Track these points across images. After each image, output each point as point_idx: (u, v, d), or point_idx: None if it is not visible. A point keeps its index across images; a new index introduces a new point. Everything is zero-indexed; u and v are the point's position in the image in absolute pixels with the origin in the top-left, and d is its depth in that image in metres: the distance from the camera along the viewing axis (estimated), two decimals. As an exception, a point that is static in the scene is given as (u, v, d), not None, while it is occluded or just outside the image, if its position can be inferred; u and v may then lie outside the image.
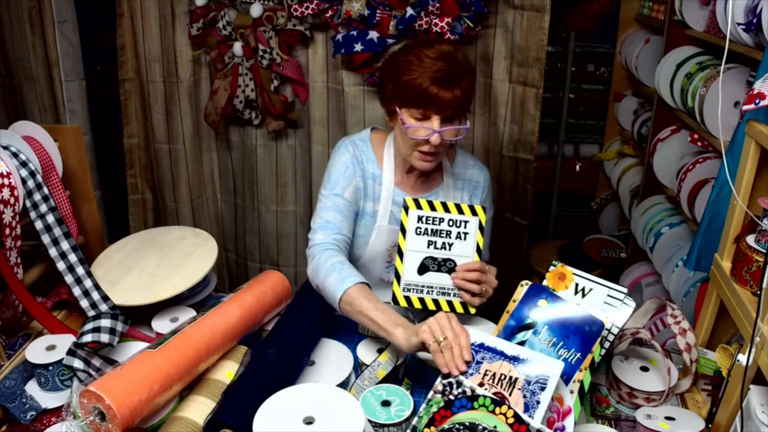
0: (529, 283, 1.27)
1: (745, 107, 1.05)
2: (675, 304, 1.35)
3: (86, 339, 1.26)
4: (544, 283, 1.30)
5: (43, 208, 1.42)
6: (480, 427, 0.98)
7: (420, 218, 1.40)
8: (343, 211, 1.50)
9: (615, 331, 1.26)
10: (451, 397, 1.10)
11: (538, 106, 2.01)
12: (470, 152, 2.04)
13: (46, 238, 1.42)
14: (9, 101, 2.32)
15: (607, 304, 1.27)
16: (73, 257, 1.45)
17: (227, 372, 1.23)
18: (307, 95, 2.17)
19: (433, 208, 1.40)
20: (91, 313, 1.40)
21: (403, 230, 1.40)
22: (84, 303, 1.42)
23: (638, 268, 2.48)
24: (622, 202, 2.86)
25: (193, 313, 1.45)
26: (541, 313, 1.22)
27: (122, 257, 1.58)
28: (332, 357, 1.36)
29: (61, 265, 1.43)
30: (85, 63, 2.35)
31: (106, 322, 1.32)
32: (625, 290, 1.28)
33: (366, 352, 1.36)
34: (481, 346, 1.15)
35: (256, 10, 2.05)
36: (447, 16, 1.91)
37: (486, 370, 1.11)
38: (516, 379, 1.09)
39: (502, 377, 1.10)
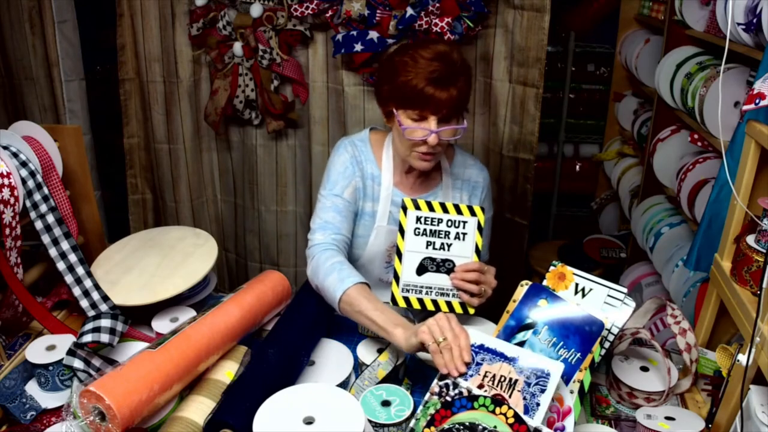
0: (529, 283, 1.27)
1: (745, 107, 1.05)
2: (675, 304, 1.35)
3: (86, 339, 1.26)
4: (544, 283, 1.30)
5: (43, 208, 1.42)
6: (480, 427, 0.98)
7: (418, 219, 1.40)
8: (342, 211, 1.50)
9: (615, 331, 1.26)
10: (448, 398, 1.10)
11: (538, 106, 2.01)
12: (470, 152, 2.04)
13: (46, 238, 1.42)
14: (9, 101, 2.32)
15: (607, 304, 1.27)
16: (73, 257, 1.45)
17: (227, 372, 1.23)
18: (307, 95, 2.17)
19: (431, 208, 1.40)
20: (91, 313, 1.40)
21: (402, 231, 1.40)
22: (84, 303, 1.42)
23: (638, 268, 2.48)
24: (622, 202, 2.86)
25: (193, 313, 1.45)
26: (541, 313, 1.22)
27: (122, 257, 1.58)
28: (332, 357, 1.36)
29: (61, 265, 1.43)
30: (85, 63, 2.35)
31: (106, 322, 1.32)
32: (625, 290, 1.28)
33: (366, 352, 1.36)
34: (481, 347, 1.15)
35: (256, 10, 2.05)
36: (447, 16, 1.91)
37: (486, 372, 1.11)
38: (516, 380, 1.09)
39: (502, 379, 1.10)
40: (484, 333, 1.17)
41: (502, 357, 1.12)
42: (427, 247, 1.40)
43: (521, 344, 1.19)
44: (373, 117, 2.11)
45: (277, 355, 1.24)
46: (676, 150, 2.17)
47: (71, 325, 1.44)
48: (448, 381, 1.12)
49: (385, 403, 1.16)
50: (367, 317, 1.29)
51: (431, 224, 1.40)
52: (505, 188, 2.20)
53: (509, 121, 2.09)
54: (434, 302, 1.41)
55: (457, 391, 1.10)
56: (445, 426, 1.01)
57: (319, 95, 2.17)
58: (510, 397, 1.07)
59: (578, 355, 1.16)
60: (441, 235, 1.40)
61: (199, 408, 1.12)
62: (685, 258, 1.60)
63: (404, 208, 1.40)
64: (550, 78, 3.12)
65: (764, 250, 1.09)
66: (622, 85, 3.14)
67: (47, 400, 1.23)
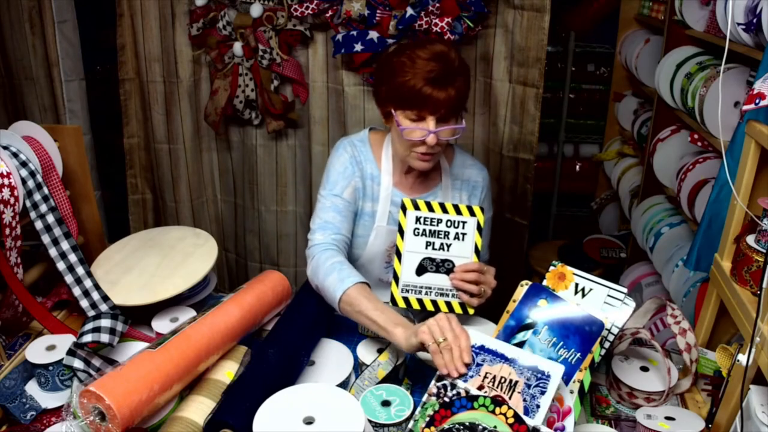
0: (529, 283, 1.27)
1: (745, 107, 1.05)
2: (675, 304, 1.35)
3: (86, 339, 1.26)
4: (544, 283, 1.30)
5: (43, 208, 1.42)
6: (480, 427, 0.98)
7: (418, 219, 1.40)
8: (342, 211, 1.50)
9: (615, 331, 1.26)
10: (446, 399, 1.10)
11: (538, 106, 2.01)
12: (470, 152, 2.04)
13: (46, 238, 1.42)
14: (9, 101, 2.32)
15: (607, 304, 1.27)
16: (73, 257, 1.45)
17: (227, 372, 1.23)
18: (307, 95, 2.17)
19: (430, 208, 1.40)
20: (91, 313, 1.40)
21: (401, 231, 1.40)
22: (84, 303, 1.42)
23: (638, 268, 2.48)
24: (622, 202, 2.86)
25: (193, 313, 1.45)
26: (541, 313, 1.22)
27: (122, 257, 1.58)
28: (332, 357, 1.36)
29: (61, 265, 1.43)
30: (85, 63, 2.35)
31: (106, 322, 1.32)
32: (625, 290, 1.28)
33: (366, 352, 1.36)
34: (482, 348, 1.15)
35: (256, 10, 2.05)
36: (447, 16, 1.91)
37: (486, 373, 1.11)
38: (516, 382, 1.09)
39: (503, 380, 1.10)
40: (484, 333, 1.17)
41: (503, 358, 1.12)
42: (426, 248, 1.40)
43: (521, 344, 1.19)
44: (373, 117, 2.11)
45: (277, 355, 1.24)
46: (676, 150, 2.17)
47: (71, 325, 1.44)
48: (446, 382, 1.12)
49: (385, 403, 1.16)
50: (367, 317, 1.29)
51: (431, 224, 1.40)
52: (505, 188, 2.20)
53: (509, 121, 2.09)
54: (434, 302, 1.41)
55: (455, 391, 1.10)
56: (445, 426, 1.01)
57: (319, 95, 2.17)
58: (510, 398, 1.07)
59: (578, 355, 1.16)
60: (440, 236, 1.40)
61: (199, 408, 1.12)
62: (685, 258, 1.60)
63: (403, 209, 1.40)
64: (550, 78, 3.12)
65: (764, 250, 1.09)
66: (622, 85, 3.14)
67: (47, 400, 1.23)
